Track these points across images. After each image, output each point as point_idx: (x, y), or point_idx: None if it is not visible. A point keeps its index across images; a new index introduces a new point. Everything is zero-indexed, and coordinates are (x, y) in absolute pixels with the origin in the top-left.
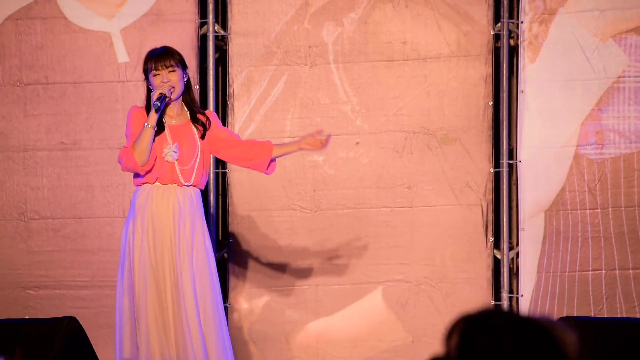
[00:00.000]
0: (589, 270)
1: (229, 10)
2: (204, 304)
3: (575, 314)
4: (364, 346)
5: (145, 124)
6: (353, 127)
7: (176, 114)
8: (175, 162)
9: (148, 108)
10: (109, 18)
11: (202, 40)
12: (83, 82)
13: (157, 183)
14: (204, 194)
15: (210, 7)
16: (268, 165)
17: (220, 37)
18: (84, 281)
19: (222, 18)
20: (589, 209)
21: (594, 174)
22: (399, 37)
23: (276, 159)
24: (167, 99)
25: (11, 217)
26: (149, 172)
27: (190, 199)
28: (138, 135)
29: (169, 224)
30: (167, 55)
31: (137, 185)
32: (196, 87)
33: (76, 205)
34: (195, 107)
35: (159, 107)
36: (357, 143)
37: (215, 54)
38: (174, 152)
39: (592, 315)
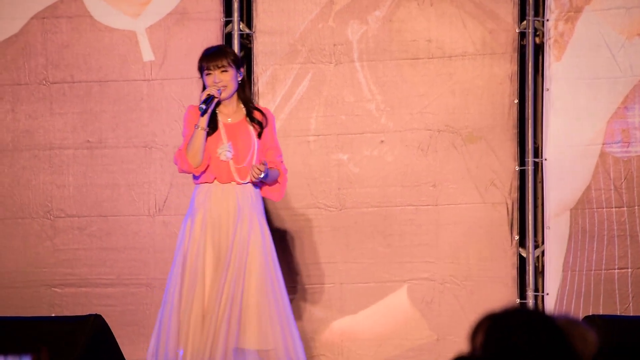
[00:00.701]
0: (615, 269)
1: (253, 8)
2: (266, 304)
3: (601, 313)
4: (389, 344)
5: (196, 126)
6: (378, 125)
7: (232, 112)
8: (230, 161)
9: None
10: (135, 17)
11: (227, 38)
12: (109, 80)
13: (215, 182)
14: None
15: (235, 5)
16: (265, 190)
17: (245, 36)
18: (110, 279)
19: (247, 16)
20: (615, 207)
21: (620, 172)
22: (423, 35)
23: (271, 184)
24: (214, 100)
25: (37, 215)
26: (204, 172)
27: (250, 197)
28: (191, 137)
29: (227, 223)
30: (219, 55)
31: (196, 184)
32: None
33: (102, 203)
34: (251, 104)
35: (204, 110)
36: (382, 141)
37: (240, 52)
38: (228, 151)
39: (618, 313)
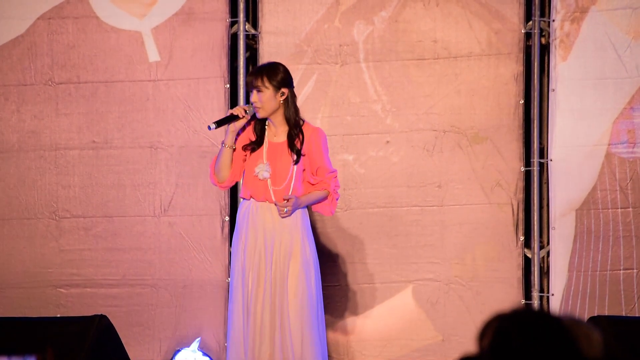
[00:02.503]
0: (620, 270)
1: (259, 9)
2: (299, 323)
3: (606, 313)
4: (395, 345)
5: (222, 144)
6: (383, 125)
7: (279, 131)
8: (268, 180)
9: (253, 120)
10: (140, 17)
11: (233, 39)
12: (114, 81)
13: (252, 200)
14: (234, 195)
15: (241, 6)
16: (314, 206)
17: (250, 36)
18: (115, 280)
19: (252, 17)
20: (621, 208)
21: (625, 173)
22: (429, 35)
23: (320, 202)
24: (238, 120)
25: (43, 215)
26: (244, 187)
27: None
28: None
29: (260, 244)
30: (255, 74)
31: (241, 198)
32: (227, 87)
33: (107, 204)
34: (293, 126)
35: (211, 128)
36: (388, 142)
37: (246, 53)
38: (266, 170)
39: (623, 314)
